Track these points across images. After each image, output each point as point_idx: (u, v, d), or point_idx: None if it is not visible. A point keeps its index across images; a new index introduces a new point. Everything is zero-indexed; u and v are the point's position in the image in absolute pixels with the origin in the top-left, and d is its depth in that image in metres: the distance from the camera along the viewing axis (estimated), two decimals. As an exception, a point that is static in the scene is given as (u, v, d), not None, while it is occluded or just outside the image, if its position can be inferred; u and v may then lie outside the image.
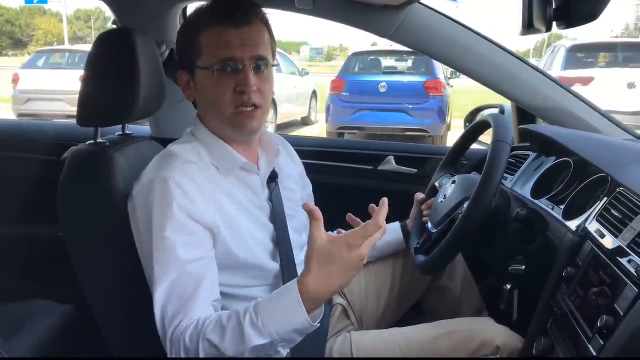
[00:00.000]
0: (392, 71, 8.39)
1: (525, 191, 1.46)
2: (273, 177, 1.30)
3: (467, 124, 2.01)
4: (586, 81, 7.18)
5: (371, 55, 8.86)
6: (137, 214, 1.14)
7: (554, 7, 0.89)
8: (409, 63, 8.64)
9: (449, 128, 8.30)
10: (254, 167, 1.25)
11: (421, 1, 1.47)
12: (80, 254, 1.23)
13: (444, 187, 1.40)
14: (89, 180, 1.21)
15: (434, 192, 1.52)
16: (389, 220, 1.64)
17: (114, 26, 1.78)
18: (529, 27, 0.88)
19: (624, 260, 0.94)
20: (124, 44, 1.25)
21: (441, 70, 8.39)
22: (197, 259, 1.09)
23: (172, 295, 1.07)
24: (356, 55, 8.86)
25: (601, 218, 1.10)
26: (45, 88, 8.91)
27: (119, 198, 1.18)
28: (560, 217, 1.27)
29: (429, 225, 1.39)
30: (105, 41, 1.29)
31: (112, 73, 1.26)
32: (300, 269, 1.26)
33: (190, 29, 1.20)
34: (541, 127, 1.58)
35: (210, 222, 1.12)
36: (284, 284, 1.19)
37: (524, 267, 1.23)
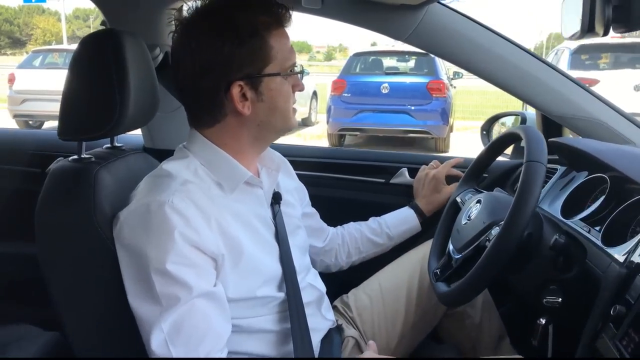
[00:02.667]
0: (394, 72, 8.28)
1: (554, 209, 1.33)
2: (276, 199, 1.18)
3: (484, 132, 1.89)
4: (591, 83, 7.03)
5: (372, 56, 8.75)
6: (125, 242, 1.00)
7: (611, 9, 0.76)
8: (411, 63, 8.54)
9: (451, 129, 8.19)
10: (259, 181, 1.14)
11: (441, 0, 1.33)
12: (57, 280, 1.09)
13: (468, 206, 1.27)
14: (69, 202, 1.07)
15: (455, 208, 1.38)
16: (404, 249, 1.55)
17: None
18: (588, 30, 0.75)
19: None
20: (111, 46, 1.10)
21: (444, 70, 8.28)
22: (206, 292, 0.97)
23: (179, 333, 0.94)
24: (357, 55, 8.74)
25: (654, 248, 0.97)
26: (42, 88, 8.72)
27: (103, 221, 1.04)
28: (599, 242, 1.13)
29: (450, 247, 1.26)
30: (89, 43, 1.14)
31: (98, 79, 1.11)
32: (304, 294, 1.14)
33: (246, 31, 1.03)
34: (574, 140, 1.44)
35: (215, 251, 0.99)
36: (290, 314, 1.10)
37: (560, 299, 1.09)
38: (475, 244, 1.16)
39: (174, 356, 0.93)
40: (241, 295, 1.05)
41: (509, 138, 1.30)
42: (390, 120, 7.63)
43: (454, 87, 9.12)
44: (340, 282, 1.50)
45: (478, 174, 1.41)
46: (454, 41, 1.40)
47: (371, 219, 1.56)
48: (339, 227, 1.54)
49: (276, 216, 1.16)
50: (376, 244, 1.53)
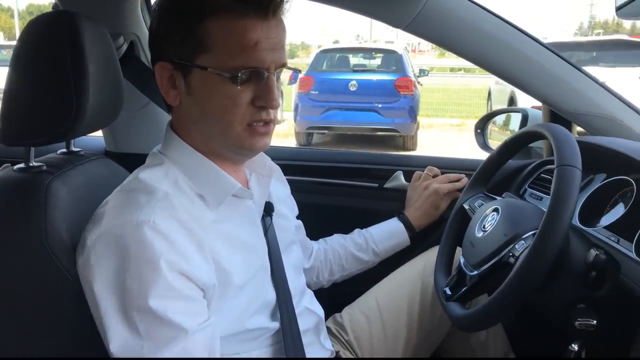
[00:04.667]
0: (362, 69, 8.22)
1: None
2: (268, 210, 1.01)
3: (479, 131, 1.76)
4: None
5: (339, 53, 8.67)
6: (94, 273, 0.80)
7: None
8: (378, 61, 8.49)
9: (418, 127, 8.16)
10: (249, 193, 0.97)
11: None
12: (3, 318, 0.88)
13: (482, 215, 1.12)
14: (15, 221, 0.87)
15: (463, 216, 1.24)
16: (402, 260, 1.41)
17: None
18: None
19: None
20: (66, 31, 0.91)
21: (411, 67, 8.24)
22: (199, 329, 0.80)
23: None
24: (324, 52, 8.63)
25: None
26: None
27: (58, 246, 0.85)
28: (633, 255, 1.01)
29: (461, 261, 1.11)
30: (38, 27, 0.94)
31: (50, 71, 0.91)
32: (301, 321, 0.98)
33: (188, 6, 0.87)
34: (595, 138, 1.32)
35: (207, 282, 0.82)
36: (285, 346, 0.95)
37: (595, 322, 0.96)
38: (495, 259, 1.02)
39: None
40: (229, 330, 0.88)
41: (528, 138, 1.16)
42: (359, 118, 7.55)
43: (421, 85, 9.10)
44: (330, 298, 1.35)
45: (488, 177, 1.27)
46: (459, 30, 1.26)
47: (356, 232, 1.42)
48: (320, 241, 1.39)
49: (268, 231, 1.00)
50: (361, 261, 1.39)
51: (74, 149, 1.11)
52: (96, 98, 0.93)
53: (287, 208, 1.16)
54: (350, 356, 1.21)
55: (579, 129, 1.45)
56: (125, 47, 1.38)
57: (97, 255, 0.80)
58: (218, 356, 0.82)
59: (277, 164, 1.19)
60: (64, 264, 0.84)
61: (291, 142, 8.26)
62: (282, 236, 1.05)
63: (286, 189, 1.22)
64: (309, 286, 1.32)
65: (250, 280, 0.91)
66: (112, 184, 0.93)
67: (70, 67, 0.90)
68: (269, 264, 0.98)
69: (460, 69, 22.94)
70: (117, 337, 0.78)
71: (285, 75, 6.82)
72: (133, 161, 0.98)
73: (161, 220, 0.79)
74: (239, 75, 0.84)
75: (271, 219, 1.02)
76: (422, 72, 9.91)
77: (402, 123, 7.54)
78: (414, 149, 7.93)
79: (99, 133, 1.63)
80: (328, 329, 1.28)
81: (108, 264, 0.78)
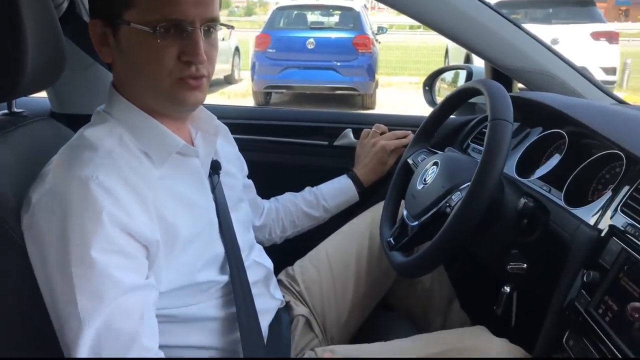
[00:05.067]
0: (320, 26, 8.10)
1: (509, 168, 1.26)
2: (215, 168, 1.03)
3: (427, 88, 1.80)
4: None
5: (296, 10, 8.51)
6: (39, 231, 0.81)
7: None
8: (336, 18, 8.39)
9: (376, 86, 8.18)
10: (194, 150, 0.98)
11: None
12: None
13: (423, 169, 1.17)
14: None
15: (407, 170, 1.28)
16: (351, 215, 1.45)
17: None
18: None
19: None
20: None
21: (369, 25, 8.18)
22: (137, 286, 0.81)
23: (107, 338, 0.78)
24: (281, 9, 8.48)
25: (628, 209, 0.91)
26: None
27: (5, 206, 0.85)
28: (562, 203, 1.07)
29: (404, 213, 1.16)
30: None
31: None
32: (250, 274, 1.02)
33: None
34: (531, 93, 1.37)
35: (149, 237, 0.83)
36: (235, 297, 0.98)
37: (525, 265, 1.03)
38: (434, 210, 1.07)
39: None
40: (179, 283, 0.91)
41: (466, 93, 1.20)
42: (317, 76, 7.50)
43: (379, 42, 9.07)
44: (282, 253, 1.39)
45: (431, 133, 1.32)
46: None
47: (307, 190, 1.46)
48: (272, 199, 1.42)
49: (215, 189, 1.02)
50: (312, 217, 1.44)
51: (16, 109, 1.09)
52: (36, 58, 0.92)
53: (235, 167, 1.17)
54: (302, 306, 1.26)
55: (520, 85, 1.50)
56: (65, 5, 1.35)
57: (41, 213, 0.81)
58: (152, 317, 0.84)
59: (228, 123, 1.20)
60: (9, 224, 0.84)
61: (250, 102, 8.17)
62: (230, 194, 1.08)
63: (234, 149, 1.24)
64: (262, 243, 1.36)
65: (198, 235, 0.94)
66: (58, 145, 0.93)
67: (8, 27, 0.88)
68: (216, 220, 1.00)
69: (419, 27, 22.89)
70: (55, 292, 0.79)
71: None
72: (80, 122, 0.97)
73: (105, 177, 0.80)
74: (158, 28, 0.85)
75: (218, 177, 1.04)
76: (381, 30, 9.86)
77: (360, 82, 7.53)
78: (372, 108, 7.96)
79: (45, 94, 1.60)
80: (280, 281, 1.32)
81: (51, 219, 0.79)
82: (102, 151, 0.85)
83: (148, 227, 0.83)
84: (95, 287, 0.77)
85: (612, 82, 7.89)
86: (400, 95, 9.14)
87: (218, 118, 1.08)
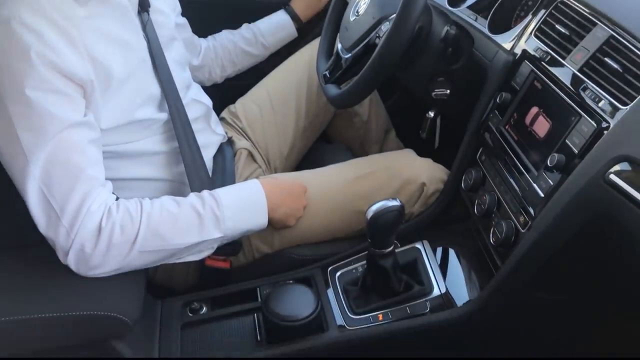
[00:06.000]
0: None
1: None
2: (143, 6, 1.01)
3: None
4: None
5: None
6: None
7: None
8: None
9: None
10: None
11: None
12: None
13: (356, 1, 1.17)
14: None
15: (343, 3, 1.28)
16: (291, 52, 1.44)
17: None
18: None
19: (575, 88, 0.83)
20: None
21: None
22: (76, 123, 0.83)
23: (54, 171, 0.82)
24: None
25: (541, 34, 0.96)
26: None
27: None
28: (486, 30, 1.12)
29: (339, 46, 1.19)
30: None
31: None
32: (189, 111, 1.06)
33: None
34: None
35: (83, 77, 0.84)
36: (176, 133, 1.03)
37: (448, 90, 1.10)
38: (365, 41, 1.10)
39: (55, 208, 0.82)
40: (118, 121, 0.94)
41: None
42: None
43: None
44: (223, 92, 1.42)
45: None
46: None
47: (244, 27, 1.44)
48: (209, 38, 1.41)
49: (146, 27, 1.01)
50: (251, 55, 1.44)
51: None
52: None
53: (165, 4, 1.14)
54: (245, 140, 1.32)
55: None
56: None
57: None
58: (94, 151, 0.86)
59: None
60: None
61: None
62: (162, 32, 1.06)
63: None
64: (202, 83, 1.38)
65: (132, 73, 0.95)
66: None
67: None
68: (149, 58, 1.01)
69: None
70: None
71: None
72: None
73: (28, 16, 0.79)
74: None
75: (148, 14, 1.03)
76: None
77: None
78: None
79: None
80: (223, 118, 1.37)
81: None
82: None
83: (80, 66, 0.84)
84: (35, 123, 0.80)
85: None
86: None
87: None
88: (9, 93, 0.79)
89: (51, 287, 0.83)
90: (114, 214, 0.85)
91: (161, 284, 1.10)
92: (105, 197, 0.87)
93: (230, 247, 1.03)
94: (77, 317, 0.79)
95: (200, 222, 0.91)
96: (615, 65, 0.77)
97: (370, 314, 0.95)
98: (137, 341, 0.89)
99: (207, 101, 1.20)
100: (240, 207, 0.98)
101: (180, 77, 1.10)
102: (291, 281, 1.04)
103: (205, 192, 0.96)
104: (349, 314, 0.96)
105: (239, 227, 0.97)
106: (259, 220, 1.00)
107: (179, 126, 1.04)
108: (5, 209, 0.87)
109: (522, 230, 0.85)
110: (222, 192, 0.97)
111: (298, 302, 0.92)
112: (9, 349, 0.80)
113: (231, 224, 0.95)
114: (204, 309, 1.01)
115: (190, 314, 1.00)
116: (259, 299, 1.02)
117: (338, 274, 1.05)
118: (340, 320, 0.95)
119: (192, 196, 0.95)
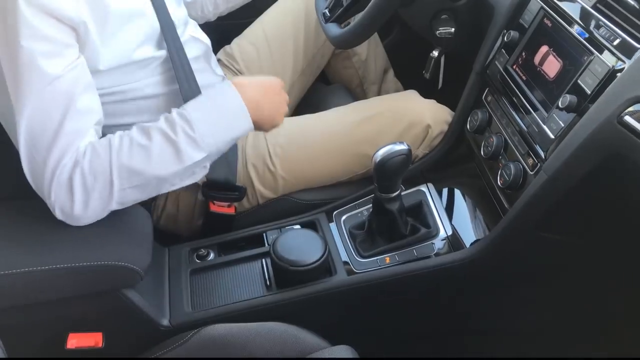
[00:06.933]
0: None
1: None
2: None
3: None
4: None
5: None
6: None
7: None
8: None
9: None
10: None
11: None
12: None
13: None
14: None
15: None
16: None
17: None
18: None
19: (588, 26, 0.80)
20: None
21: None
22: (61, 74, 0.80)
23: (36, 125, 0.79)
24: None
25: (551, -33, 0.93)
26: None
27: None
28: (492, -36, 1.08)
29: (338, -17, 1.15)
30: None
31: None
32: (188, 49, 1.03)
33: None
34: None
35: (74, 18, 0.80)
36: (175, 73, 0.99)
37: (453, 29, 1.07)
38: (367, -23, 1.06)
39: (39, 163, 0.80)
40: (115, 62, 0.90)
41: None
42: None
43: None
44: (218, 32, 1.37)
45: None
46: None
47: None
48: None
49: None
50: None
51: None
52: None
53: None
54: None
55: None
56: None
57: None
58: (81, 102, 0.83)
59: None
60: None
61: None
62: None
63: None
64: (195, 20, 1.33)
65: (130, 10, 0.91)
66: None
67: None
68: None
69: None
70: None
71: None
72: None
73: None
74: None
75: None
76: None
77: None
78: None
79: None
80: (219, 60, 1.33)
81: None
82: None
83: (72, 7, 0.80)
84: (22, 76, 0.77)
85: None
86: None
87: None
88: (3, 44, 0.76)
89: (61, 239, 0.82)
90: (80, 161, 0.81)
91: (166, 230, 1.10)
92: (84, 146, 0.83)
93: (234, 193, 1.02)
94: (88, 267, 0.79)
95: (175, 149, 0.84)
96: (632, 2, 0.75)
97: (377, 257, 0.96)
98: (147, 288, 0.90)
99: (206, 39, 1.15)
100: (216, 117, 0.89)
101: (177, 13, 1.05)
102: (298, 226, 1.04)
103: (174, 113, 0.87)
104: (356, 257, 0.97)
105: (221, 139, 0.89)
106: (242, 124, 0.90)
107: (178, 65, 1.00)
108: (8, 160, 0.85)
109: (531, 173, 0.84)
110: (192, 107, 0.88)
111: (306, 247, 0.92)
112: (21, 301, 0.81)
113: (211, 139, 0.87)
114: (212, 254, 1.02)
115: (197, 260, 1.01)
116: (266, 244, 1.02)
117: (343, 218, 1.06)
118: (347, 264, 0.97)
119: (162, 121, 0.87)
